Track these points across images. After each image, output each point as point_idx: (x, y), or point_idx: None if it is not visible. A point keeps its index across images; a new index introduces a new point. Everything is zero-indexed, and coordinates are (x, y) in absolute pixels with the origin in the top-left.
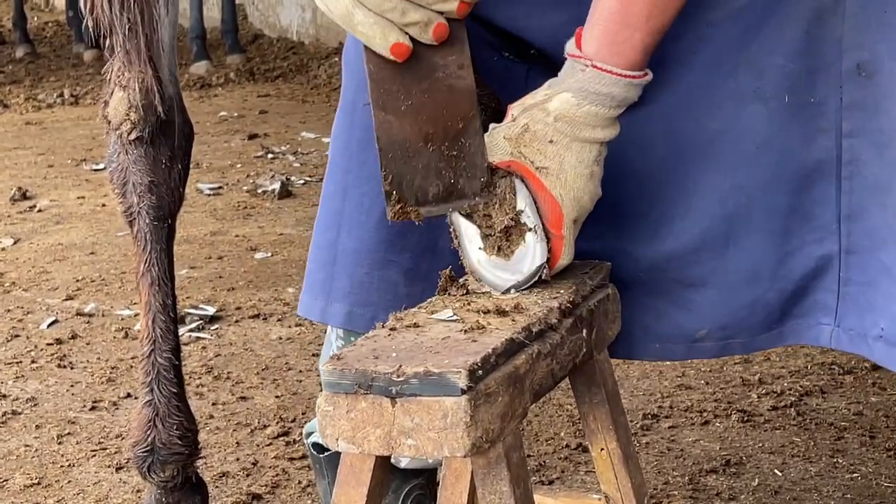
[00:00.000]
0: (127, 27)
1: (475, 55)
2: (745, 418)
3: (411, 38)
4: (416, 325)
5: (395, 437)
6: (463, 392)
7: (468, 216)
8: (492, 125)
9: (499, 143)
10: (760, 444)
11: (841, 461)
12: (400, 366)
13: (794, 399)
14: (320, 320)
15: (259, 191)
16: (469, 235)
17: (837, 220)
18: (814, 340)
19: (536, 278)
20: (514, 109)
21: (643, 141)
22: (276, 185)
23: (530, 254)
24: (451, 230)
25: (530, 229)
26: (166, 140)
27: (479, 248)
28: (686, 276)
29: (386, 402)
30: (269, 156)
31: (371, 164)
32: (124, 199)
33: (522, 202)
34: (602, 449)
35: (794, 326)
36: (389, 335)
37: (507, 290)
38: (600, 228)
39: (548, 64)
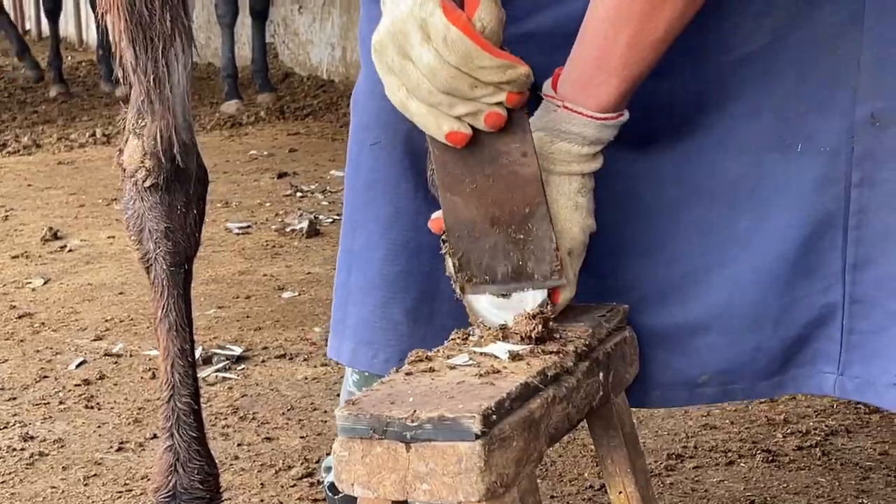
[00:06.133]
0: (143, 75)
1: None
2: (770, 458)
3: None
4: (431, 370)
5: (410, 481)
6: (477, 437)
7: None
8: None
9: None
10: (785, 485)
11: (866, 502)
12: (414, 411)
13: (819, 439)
14: (336, 359)
15: (287, 229)
16: None
17: (843, 270)
18: (816, 389)
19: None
20: None
21: (654, 182)
22: (305, 224)
23: (531, 292)
24: (448, 271)
25: None
26: (181, 186)
27: None
28: (689, 320)
29: (401, 447)
30: (298, 194)
31: (375, 203)
32: (141, 245)
33: None
34: (620, 492)
35: (795, 374)
36: (405, 379)
37: None
38: (605, 267)
39: None
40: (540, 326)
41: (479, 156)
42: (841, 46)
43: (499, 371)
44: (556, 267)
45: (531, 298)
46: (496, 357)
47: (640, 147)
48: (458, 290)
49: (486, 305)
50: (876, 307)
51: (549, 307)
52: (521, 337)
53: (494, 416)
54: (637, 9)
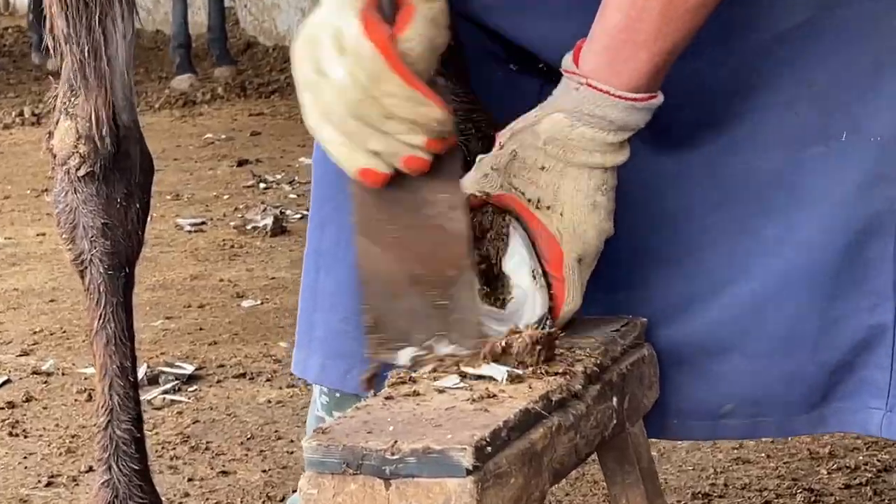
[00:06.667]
0: (76, 46)
1: (475, 69)
2: (813, 499)
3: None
4: (416, 394)
5: None
6: (468, 472)
7: None
8: (479, 156)
9: (487, 174)
10: None
11: None
12: (395, 442)
13: (870, 476)
14: (301, 376)
15: (248, 227)
16: None
17: (894, 284)
18: (861, 428)
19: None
20: (501, 136)
21: (678, 182)
22: (269, 220)
23: (529, 303)
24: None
25: (528, 275)
26: (121, 175)
27: None
28: (711, 340)
29: (379, 484)
30: (262, 185)
31: (346, 193)
32: (73, 244)
33: (518, 243)
34: None
35: (837, 409)
36: (385, 405)
37: None
38: (617, 277)
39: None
40: (544, 353)
41: (403, 202)
42: (894, 20)
43: (494, 395)
44: (477, 343)
45: (528, 311)
46: (492, 379)
47: (662, 140)
48: (365, 351)
49: (480, 319)
50: None
51: (548, 322)
52: (520, 363)
53: (489, 449)
54: None
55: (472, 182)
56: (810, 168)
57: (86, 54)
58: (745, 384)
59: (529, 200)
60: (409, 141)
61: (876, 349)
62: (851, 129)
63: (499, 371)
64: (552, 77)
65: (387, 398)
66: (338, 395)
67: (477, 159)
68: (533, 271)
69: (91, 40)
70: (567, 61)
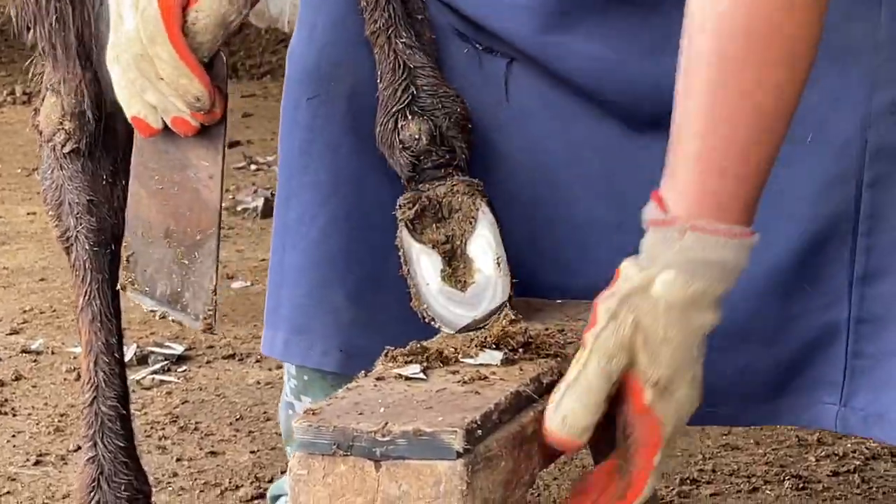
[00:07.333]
0: (55, 18)
1: (441, 46)
2: (801, 485)
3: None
4: (405, 377)
5: None
6: (459, 455)
7: (420, 239)
8: (593, 333)
9: (614, 356)
10: None
11: None
12: (385, 423)
13: (858, 464)
14: (269, 354)
15: (239, 208)
16: (422, 262)
17: (850, 284)
18: (814, 422)
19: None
20: (607, 302)
21: (645, 172)
22: (259, 202)
23: (491, 289)
24: (399, 253)
25: (493, 261)
26: (107, 152)
27: (433, 278)
28: None
29: (369, 466)
30: (253, 167)
31: (313, 167)
32: (60, 221)
33: (486, 228)
34: None
35: (791, 404)
36: (376, 386)
37: (463, 329)
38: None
39: (529, 60)
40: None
41: (172, 157)
42: (855, 24)
43: (485, 377)
44: (208, 312)
45: (489, 296)
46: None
47: (632, 128)
48: (118, 284)
49: (437, 297)
50: (887, 327)
51: (507, 310)
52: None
53: (480, 432)
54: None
55: (598, 368)
56: (775, 167)
57: (67, 27)
58: None
59: (648, 382)
60: (176, 104)
61: (829, 347)
62: (818, 130)
63: (494, 357)
64: (520, 55)
65: (378, 379)
66: (305, 378)
67: (592, 336)
68: (498, 259)
69: (73, 13)
70: (653, 212)
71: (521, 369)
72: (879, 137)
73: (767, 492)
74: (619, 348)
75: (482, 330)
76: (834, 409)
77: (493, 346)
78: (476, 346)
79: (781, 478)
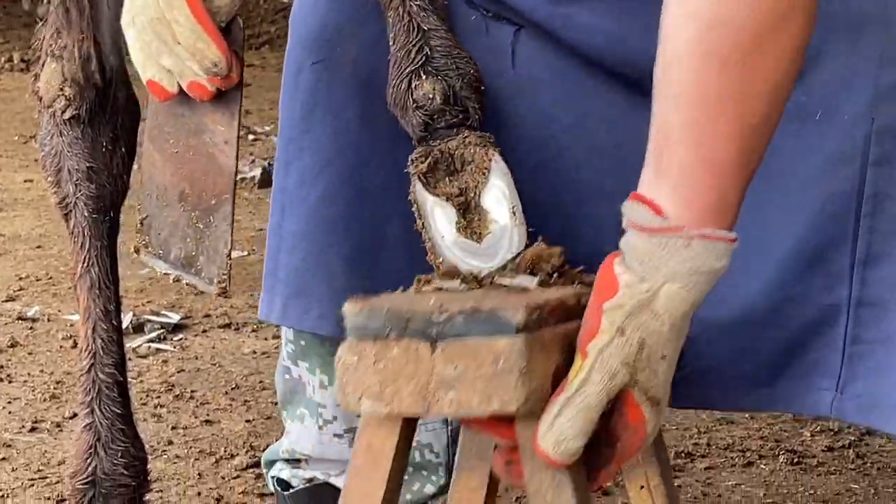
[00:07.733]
0: None
1: (452, 13)
2: (795, 460)
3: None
4: (443, 290)
5: (433, 390)
6: (519, 331)
7: (434, 191)
8: (597, 344)
9: (617, 372)
10: (812, 491)
11: None
12: (441, 304)
13: (853, 439)
14: (267, 319)
15: (237, 178)
16: (436, 215)
17: (851, 265)
18: (810, 409)
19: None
20: (613, 314)
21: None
22: (257, 172)
23: (507, 238)
24: (413, 208)
25: (508, 210)
26: (108, 119)
27: (448, 230)
28: None
29: (424, 347)
30: (251, 137)
31: (315, 132)
32: (59, 188)
33: (500, 179)
34: (642, 487)
35: (787, 389)
36: (419, 293)
37: None
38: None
39: (536, 28)
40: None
41: (187, 122)
42: (865, 1)
43: (528, 289)
44: (223, 276)
45: (505, 246)
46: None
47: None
48: (133, 247)
49: (452, 249)
50: (888, 312)
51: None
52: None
53: (537, 315)
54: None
55: (599, 385)
56: (781, 144)
57: None
58: (692, 353)
59: (648, 398)
60: (193, 68)
61: (829, 330)
62: (827, 108)
63: (530, 281)
64: (528, 23)
65: (416, 292)
66: (303, 342)
67: (595, 349)
68: (513, 207)
69: None
70: (643, 216)
71: (559, 290)
72: (886, 116)
73: (762, 466)
74: (623, 366)
75: (516, 259)
76: (830, 396)
77: (528, 272)
78: (510, 272)
79: (776, 452)
